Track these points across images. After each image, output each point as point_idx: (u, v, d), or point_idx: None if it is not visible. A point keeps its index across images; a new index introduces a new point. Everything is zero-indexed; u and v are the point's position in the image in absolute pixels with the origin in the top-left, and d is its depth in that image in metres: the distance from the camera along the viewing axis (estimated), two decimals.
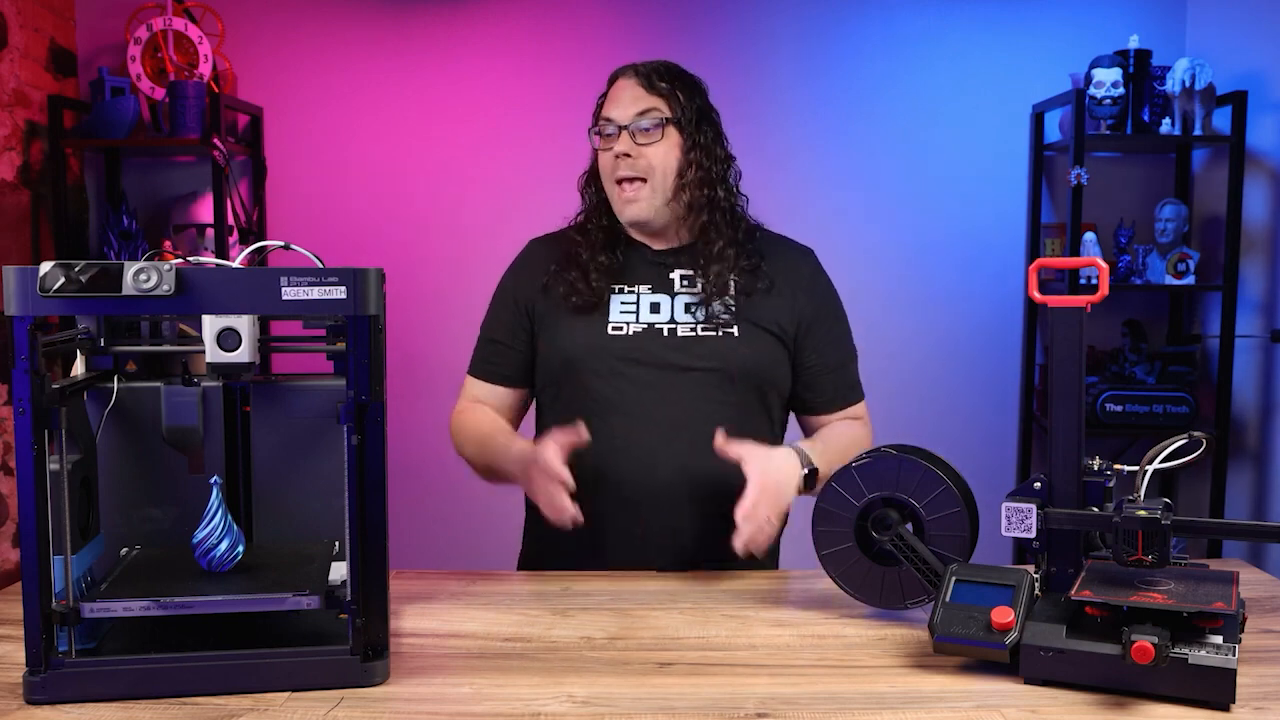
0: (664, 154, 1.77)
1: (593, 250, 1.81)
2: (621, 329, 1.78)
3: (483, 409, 1.88)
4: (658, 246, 1.85)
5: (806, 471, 1.67)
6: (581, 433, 1.66)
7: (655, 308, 1.80)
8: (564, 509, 1.60)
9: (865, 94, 3.57)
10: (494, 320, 1.91)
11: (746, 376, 1.77)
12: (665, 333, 1.78)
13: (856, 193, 3.57)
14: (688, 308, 1.79)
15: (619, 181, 1.79)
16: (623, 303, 1.81)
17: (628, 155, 1.77)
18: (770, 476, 1.61)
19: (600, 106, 1.84)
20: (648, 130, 1.77)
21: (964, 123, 3.55)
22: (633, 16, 3.55)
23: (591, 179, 1.88)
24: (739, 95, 3.52)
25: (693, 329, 1.78)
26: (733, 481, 1.74)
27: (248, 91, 3.55)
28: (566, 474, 1.60)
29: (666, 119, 1.78)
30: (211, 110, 3.28)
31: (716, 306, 1.78)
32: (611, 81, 1.85)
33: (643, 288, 1.82)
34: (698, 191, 1.78)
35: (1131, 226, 3.44)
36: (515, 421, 1.93)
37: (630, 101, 1.79)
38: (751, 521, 1.57)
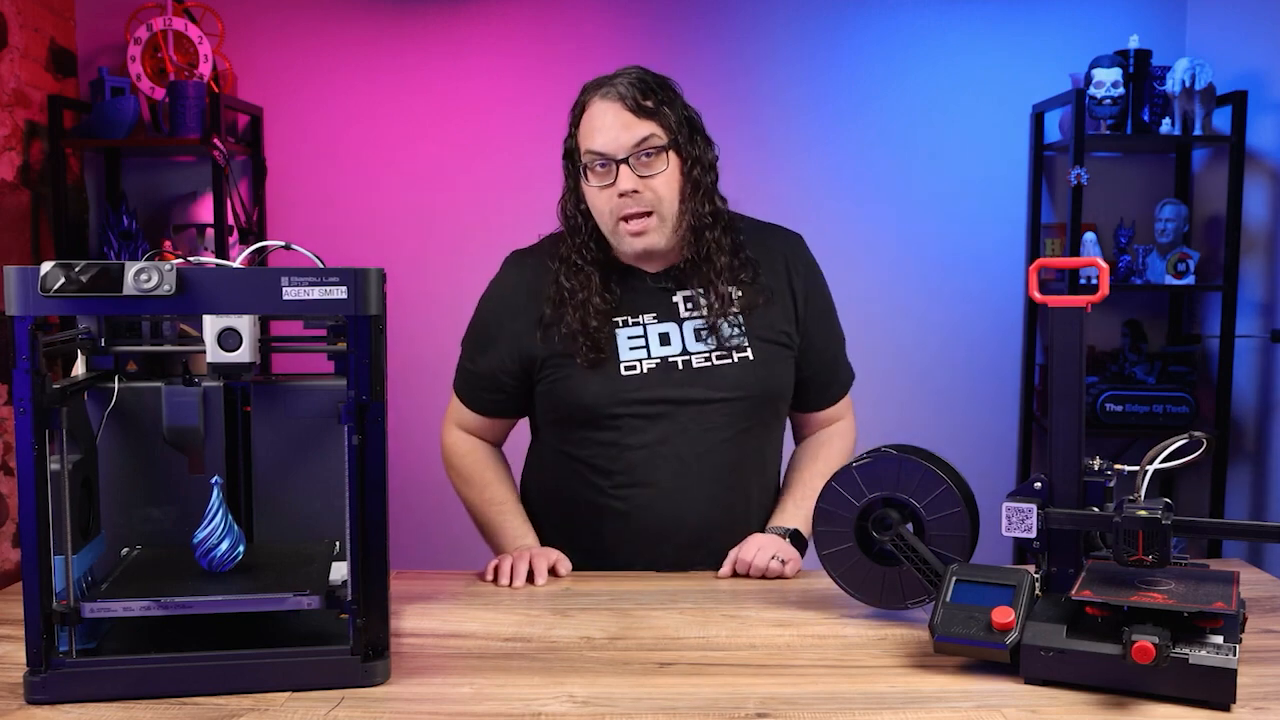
0: (668, 182, 1.66)
1: (589, 291, 1.69)
2: (635, 368, 1.71)
3: (478, 455, 1.85)
4: (654, 269, 1.75)
5: (787, 533, 1.75)
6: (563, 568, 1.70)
7: (665, 339, 1.72)
8: (513, 576, 1.64)
9: (865, 94, 3.56)
10: (480, 349, 1.79)
11: (767, 398, 1.75)
12: (680, 365, 1.71)
13: (856, 193, 3.57)
14: (697, 334, 1.72)
15: (624, 219, 1.67)
16: (630, 337, 1.72)
17: (635, 191, 1.64)
18: (755, 540, 1.71)
19: (575, 136, 1.69)
20: (649, 161, 1.65)
21: (964, 123, 3.55)
22: (631, 17, 3.55)
23: (573, 202, 1.73)
24: (739, 95, 3.52)
25: (707, 358, 1.71)
26: (763, 514, 1.79)
27: (248, 91, 3.55)
28: (543, 570, 1.65)
29: (664, 145, 1.65)
30: (211, 110, 3.28)
31: (725, 329, 1.71)
32: (583, 106, 1.68)
33: (648, 317, 1.73)
34: (701, 208, 1.69)
35: (1131, 226, 3.44)
36: (502, 439, 1.90)
37: (620, 129, 1.64)
38: (741, 560, 1.68)
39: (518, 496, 1.85)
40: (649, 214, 1.66)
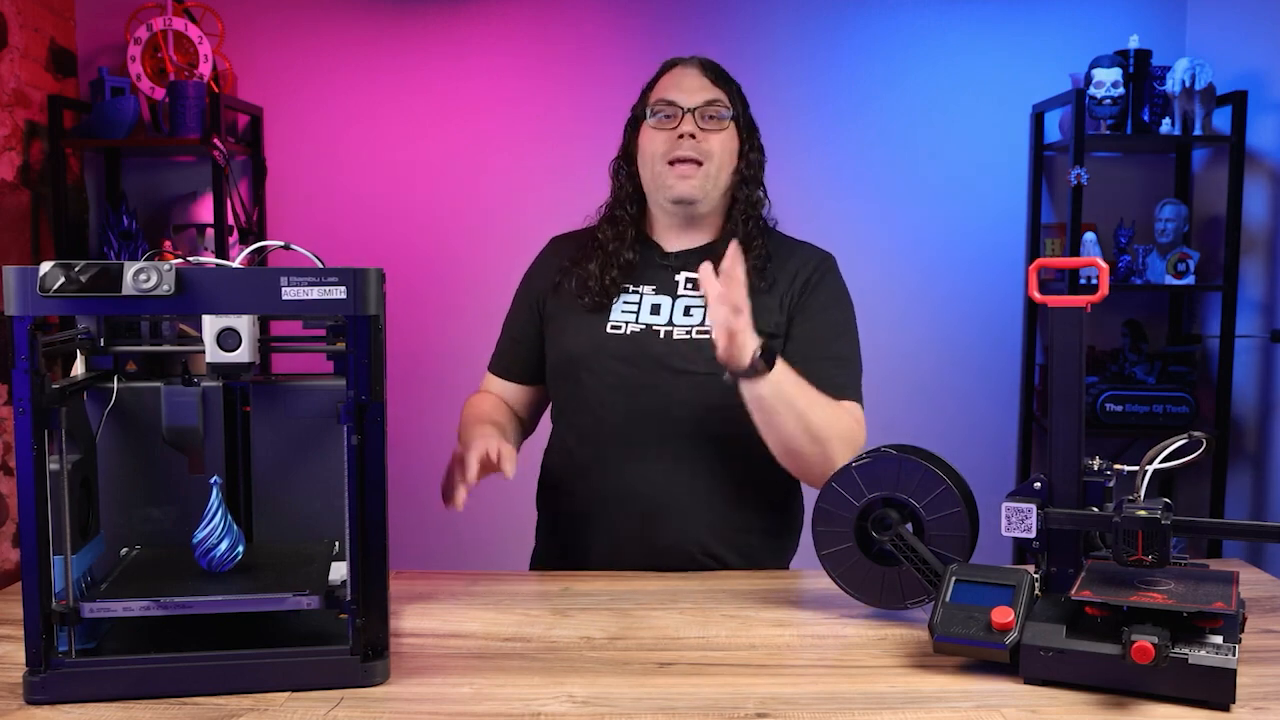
0: (724, 144, 1.78)
1: (619, 242, 1.81)
2: (620, 328, 1.78)
3: (490, 396, 1.91)
4: (671, 247, 1.84)
5: (760, 351, 1.55)
6: (503, 462, 1.61)
7: (656, 309, 1.79)
8: (450, 490, 1.61)
9: (865, 94, 3.57)
10: (512, 318, 1.94)
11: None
12: (661, 335, 1.77)
13: (856, 193, 3.57)
14: (687, 310, 1.78)
15: (674, 161, 1.76)
16: (626, 302, 1.80)
17: (692, 136, 1.75)
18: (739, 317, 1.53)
19: (650, 91, 1.82)
20: (716, 119, 1.77)
21: (964, 123, 3.55)
22: (631, 17, 3.55)
23: (624, 163, 1.85)
24: None
25: (688, 331, 1.76)
26: (730, 483, 1.75)
27: (248, 91, 3.55)
28: (473, 469, 1.59)
29: (731, 114, 1.79)
30: (211, 110, 3.28)
31: None
32: (666, 69, 1.84)
33: (647, 288, 1.81)
34: (748, 189, 1.80)
35: (1131, 226, 3.44)
36: (534, 417, 1.96)
37: (698, 88, 1.78)
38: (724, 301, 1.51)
39: (508, 436, 1.78)
40: (699, 163, 1.76)
